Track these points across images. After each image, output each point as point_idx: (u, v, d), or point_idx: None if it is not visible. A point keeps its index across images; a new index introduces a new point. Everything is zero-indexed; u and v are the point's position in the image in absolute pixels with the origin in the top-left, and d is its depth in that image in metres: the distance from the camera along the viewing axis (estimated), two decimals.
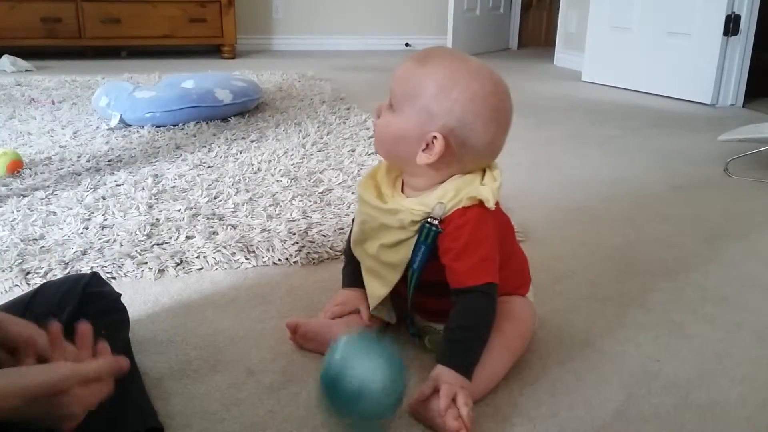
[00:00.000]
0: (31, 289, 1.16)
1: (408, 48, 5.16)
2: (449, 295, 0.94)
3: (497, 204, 0.96)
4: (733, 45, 3.08)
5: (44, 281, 1.18)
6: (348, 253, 1.11)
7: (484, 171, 0.97)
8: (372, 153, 2.10)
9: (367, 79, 3.68)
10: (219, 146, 2.16)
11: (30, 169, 1.89)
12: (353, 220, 1.09)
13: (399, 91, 0.95)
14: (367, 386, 0.77)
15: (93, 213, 1.56)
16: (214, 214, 1.56)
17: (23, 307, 0.92)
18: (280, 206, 1.62)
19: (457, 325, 0.93)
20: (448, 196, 0.93)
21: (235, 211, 1.59)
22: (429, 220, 0.93)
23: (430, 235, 0.93)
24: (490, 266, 0.93)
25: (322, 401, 0.81)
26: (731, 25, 3.03)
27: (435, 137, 0.92)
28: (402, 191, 1.01)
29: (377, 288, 1.02)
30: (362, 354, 0.80)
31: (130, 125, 2.39)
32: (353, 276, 1.10)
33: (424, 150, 0.93)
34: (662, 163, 2.16)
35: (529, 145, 2.30)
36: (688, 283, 1.31)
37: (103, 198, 1.66)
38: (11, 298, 0.98)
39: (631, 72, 3.46)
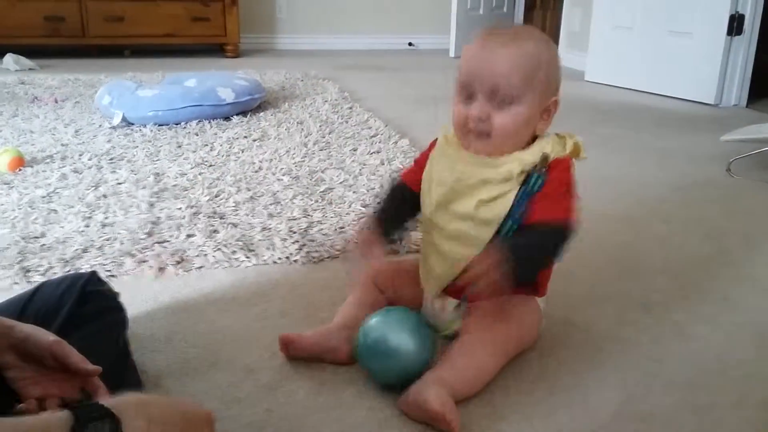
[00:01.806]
0: (30, 287, 1.17)
1: (411, 48, 5.16)
2: None
3: None
4: (737, 45, 3.07)
5: (44, 279, 1.18)
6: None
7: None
8: (374, 152, 2.09)
9: (370, 78, 3.68)
10: (221, 145, 2.16)
11: (32, 166, 1.89)
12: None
13: (516, 81, 0.94)
14: (404, 346, 0.91)
15: (94, 211, 1.56)
16: (215, 213, 1.57)
17: (22, 305, 0.93)
18: (281, 205, 1.63)
19: (528, 228, 0.94)
20: (548, 147, 0.97)
21: (236, 210, 1.59)
22: (538, 168, 0.95)
23: (538, 183, 0.95)
24: (572, 203, 0.97)
25: (363, 364, 0.95)
26: (735, 25, 3.02)
27: (554, 101, 0.98)
28: None
29: (464, 250, 0.97)
30: (399, 319, 0.95)
31: (133, 124, 2.39)
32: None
33: (541, 119, 0.99)
34: (664, 163, 2.15)
35: None
36: (689, 283, 1.31)
37: (105, 196, 1.66)
38: (10, 297, 0.99)
39: (634, 72, 3.45)
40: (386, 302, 1.07)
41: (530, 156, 0.96)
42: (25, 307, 0.92)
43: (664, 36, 3.27)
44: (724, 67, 3.08)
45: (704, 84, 3.13)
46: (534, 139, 0.99)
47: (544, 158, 0.95)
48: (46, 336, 0.80)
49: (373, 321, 0.94)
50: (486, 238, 0.97)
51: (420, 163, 1.07)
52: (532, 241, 0.94)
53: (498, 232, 0.96)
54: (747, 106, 3.12)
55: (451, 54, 4.62)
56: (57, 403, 0.75)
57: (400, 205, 1.08)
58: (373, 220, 1.06)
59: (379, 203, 1.11)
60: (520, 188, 0.95)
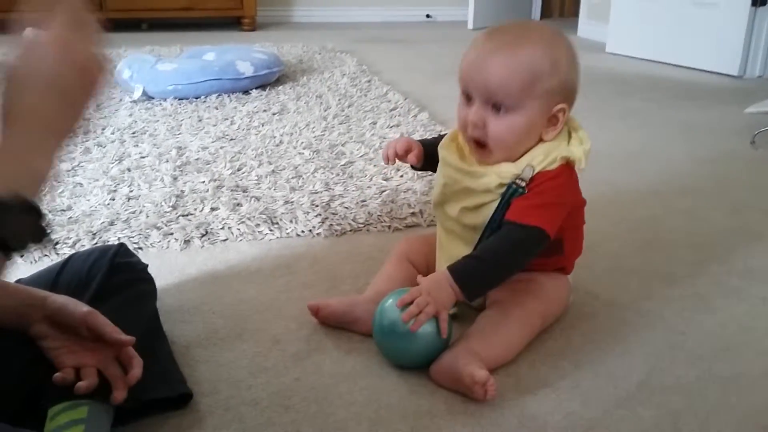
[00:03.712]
0: (60, 259, 1.18)
1: (429, 19, 5.11)
2: (544, 256, 0.97)
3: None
4: (762, 15, 3.00)
5: (73, 251, 1.20)
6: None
7: (569, 133, 0.98)
8: (394, 126, 2.09)
9: (388, 50, 3.65)
10: (241, 119, 2.17)
11: None
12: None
13: (512, 91, 0.91)
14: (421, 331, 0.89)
15: (119, 184, 1.58)
16: (237, 186, 1.58)
17: (53, 276, 0.95)
18: (303, 178, 1.63)
19: (484, 244, 0.94)
20: (538, 159, 0.95)
21: (259, 183, 1.60)
22: (517, 181, 0.93)
23: (515, 195, 0.94)
24: (548, 213, 0.93)
25: (379, 344, 0.95)
26: None
27: (561, 110, 0.94)
28: None
29: (459, 248, 1.00)
30: None
31: (153, 98, 2.40)
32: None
33: (548, 126, 0.95)
34: (687, 136, 2.13)
35: None
36: (713, 256, 1.30)
37: (129, 170, 1.68)
38: (41, 268, 1.01)
39: (656, 43, 3.40)
40: (420, 276, 1.08)
41: (512, 168, 0.95)
42: (56, 278, 0.94)
43: (686, 6, 3.21)
44: (749, 38, 3.02)
45: (728, 55, 3.07)
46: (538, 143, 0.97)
47: (528, 170, 0.94)
48: (79, 307, 0.81)
49: (390, 302, 0.93)
50: (474, 240, 0.99)
51: None
52: (486, 254, 0.93)
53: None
54: None
55: (470, 26, 4.56)
56: (93, 372, 0.77)
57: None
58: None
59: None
60: (502, 199, 0.95)
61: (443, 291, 0.90)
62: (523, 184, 0.93)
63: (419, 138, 1.15)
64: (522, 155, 0.96)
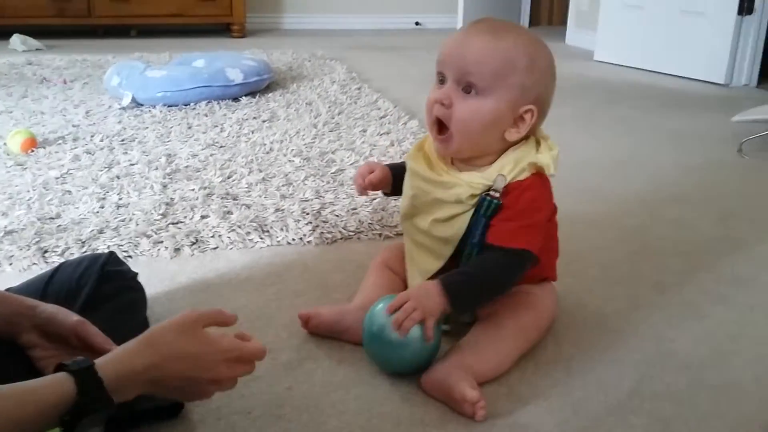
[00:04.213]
0: (49, 267, 1.18)
1: (418, 27, 5.12)
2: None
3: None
4: (748, 24, 3.04)
5: (62, 260, 1.20)
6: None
7: (537, 142, 0.98)
8: (384, 133, 2.09)
9: (378, 58, 3.66)
10: (231, 126, 2.16)
11: (44, 148, 1.90)
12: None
13: (486, 72, 0.91)
14: (409, 335, 0.88)
15: (108, 192, 1.57)
16: (227, 194, 1.57)
17: (43, 285, 0.94)
18: (293, 186, 1.63)
19: (473, 262, 0.94)
20: (507, 168, 0.94)
21: (249, 191, 1.60)
22: (490, 193, 0.93)
23: (491, 208, 0.93)
24: (532, 234, 0.93)
25: (368, 350, 0.95)
26: (746, 4, 2.99)
27: (529, 111, 0.93)
28: (452, 164, 1.00)
29: (429, 262, 1.00)
30: None
31: (142, 104, 2.39)
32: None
33: (513, 126, 0.94)
34: (675, 144, 2.15)
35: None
36: (702, 264, 1.31)
37: (118, 177, 1.67)
38: (31, 277, 1.00)
39: (644, 51, 3.43)
40: (403, 284, 1.08)
41: (482, 179, 0.94)
42: (46, 287, 0.94)
43: (674, 15, 3.24)
44: (735, 46, 3.06)
45: (714, 64, 3.11)
46: (504, 150, 0.97)
47: (500, 181, 0.93)
48: (69, 316, 0.81)
49: (380, 306, 0.93)
50: (447, 254, 0.99)
51: None
52: (477, 272, 0.93)
53: (461, 251, 0.97)
54: (758, 86, 3.10)
55: None
56: None
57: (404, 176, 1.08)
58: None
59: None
60: (475, 211, 0.94)
61: (431, 299, 0.89)
62: (497, 195, 0.93)
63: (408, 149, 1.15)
64: (489, 163, 0.96)
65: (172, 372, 0.70)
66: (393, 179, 1.09)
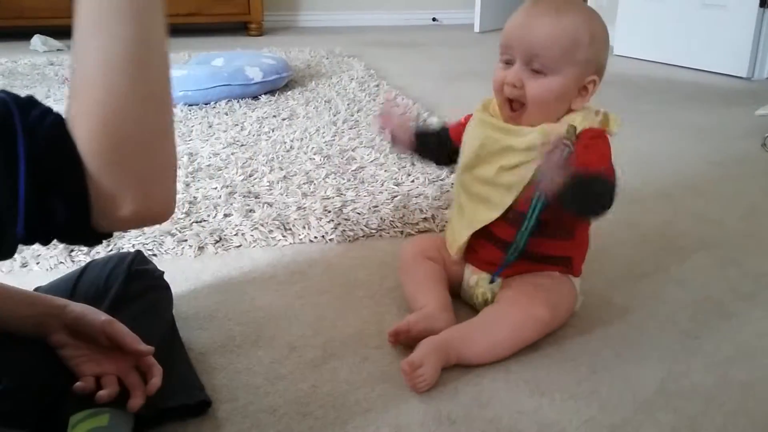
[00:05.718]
0: (75, 266, 1.19)
1: (435, 23, 5.11)
2: (559, 237, 1.01)
3: None
4: None
5: (88, 258, 1.21)
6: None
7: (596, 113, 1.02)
8: None
9: (395, 55, 3.66)
10: (251, 124, 2.17)
11: None
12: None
13: (553, 54, 0.96)
14: None
15: None
16: (249, 192, 1.58)
17: (72, 284, 0.95)
18: (314, 184, 1.64)
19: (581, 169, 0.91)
20: (577, 120, 0.98)
21: (271, 189, 1.60)
22: (565, 141, 0.93)
23: (564, 153, 0.92)
24: (610, 164, 0.96)
25: None
26: None
27: (592, 81, 0.99)
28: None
29: (484, 212, 1.02)
30: None
31: None
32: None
33: (578, 96, 0.99)
34: (698, 139, 2.13)
35: None
36: (727, 260, 1.30)
37: None
38: (58, 275, 1.01)
39: (664, 45, 3.39)
40: (444, 269, 1.10)
41: (555, 127, 0.97)
42: (75, 286, 0.95)
43: (695, 8, 3.20)
44: (757, 39, 3.02)
45: (736, 57, 3.07)
46: (566, 113, 1.01)
47: (571, 129, 0.95)
48: (97, 315, 0.82)
49: None
50: (507, 203, 1.00)
51: (463, 122, 1.11)
52: (592, 172, 0.93)
53: (511, 209, 0.99)
54: None
55: (476, 29, 4.57)
56: (114, 381, 0.78)
57: (437, 140, 1.14)
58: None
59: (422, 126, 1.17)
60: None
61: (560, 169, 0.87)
62: (569, 143, 0.93)
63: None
64: (557, 120, 0.99)
65: None
66: (417, 137, 1.13)
